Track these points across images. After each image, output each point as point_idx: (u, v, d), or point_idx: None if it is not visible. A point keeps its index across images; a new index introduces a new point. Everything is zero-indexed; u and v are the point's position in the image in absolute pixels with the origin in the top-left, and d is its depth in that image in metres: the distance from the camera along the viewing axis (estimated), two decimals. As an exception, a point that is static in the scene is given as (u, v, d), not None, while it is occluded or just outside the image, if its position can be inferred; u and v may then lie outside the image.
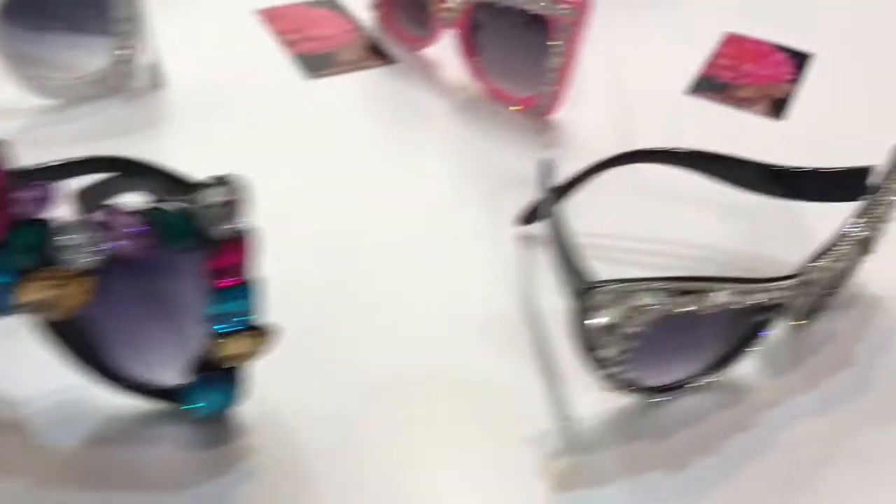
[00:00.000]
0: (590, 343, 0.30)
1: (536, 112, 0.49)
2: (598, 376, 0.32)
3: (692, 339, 0.34)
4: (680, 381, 0.34)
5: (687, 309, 0.30)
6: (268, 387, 0.32)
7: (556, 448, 0.33)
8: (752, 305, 0.32)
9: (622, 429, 0.34)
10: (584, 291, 0.29)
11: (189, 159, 0.44)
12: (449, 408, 0.34)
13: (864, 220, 0.34)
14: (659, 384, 0.34)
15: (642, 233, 0.42)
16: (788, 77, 0.55)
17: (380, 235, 0.41)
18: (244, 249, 0.28)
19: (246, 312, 0.29)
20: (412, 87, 0.52)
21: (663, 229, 0.42)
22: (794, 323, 0.36)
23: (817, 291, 0.36)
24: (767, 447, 0.33)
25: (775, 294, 0.32)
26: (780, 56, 0.57)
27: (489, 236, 0.41)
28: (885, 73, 0.55)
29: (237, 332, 0.29)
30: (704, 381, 0.35)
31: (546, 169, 0.39)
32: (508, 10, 0.47)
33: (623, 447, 0.33)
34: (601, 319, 0.30)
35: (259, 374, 0.31)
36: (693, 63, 0.55)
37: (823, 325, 0.38)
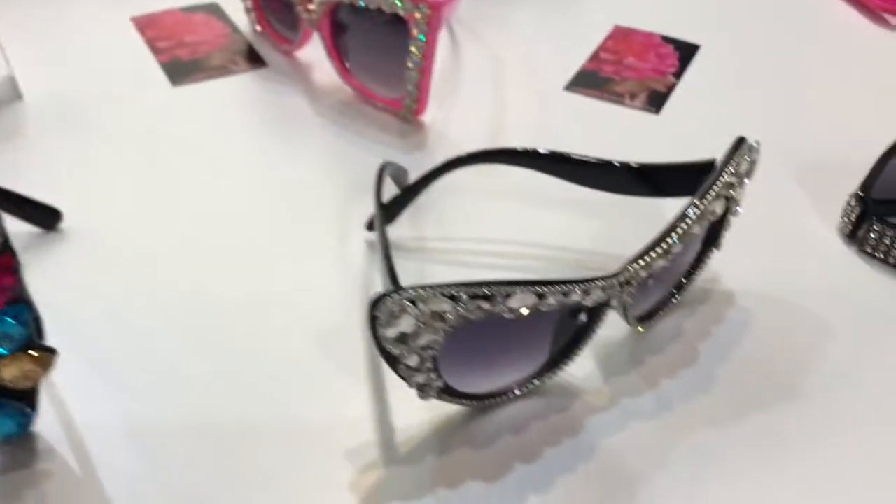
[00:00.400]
0: (386, 353, 0.29)
1: (404, 113, 0.48)
2: (411, 385, 0.31)
3: (514, 344, 0.33)
4: (505, 387, 0.33)
5: (486, 314, 0.29)
6: (71, 409, 0.31)
7: (373, 460, 0.32)
8: (571, 305, 0.31)
9: (444, 438, 0.33)
10: (376, 301, 0.28)
11: (41, 173, 0.44)
12: (269, 422, 0.33)
13: (693, 214, 0.33)
14: (483, 391, 0.33)
15: (492, 234, 0.41)
16: (672, 70, 0.54)
17: (228, 243, 0.40)
18: (12, 270, 0.27)
19: (20, 334, 0.28)
20: (283, 91, 0.51)
21: (515, 230, 0.41)
22: (637, 323, 0.35)
23: (649, 288, 0.35)
24: (590, 452, 0.32)
25: (595, 294, 0.32)
26: (667, 49, 0.56)
27: (339, 244, 0.40)
28: (769, 65, 0.54)
29: (12, 354, 0.28)
30: (532, 385, 0.34)
31: (382, 172, 0.38)
32: (367, 11, 0.46)
33: (443, 457, 0.32)
34: (392, 329, 0.29)
35: (62, 396, 0.30)
36: (579, 58, 0.54)
37: (670, 322, 0.37)
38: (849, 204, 0.41)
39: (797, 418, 0.34)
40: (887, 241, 0.40)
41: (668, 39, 0.57)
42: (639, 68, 0.54)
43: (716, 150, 0.36)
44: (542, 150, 0.39)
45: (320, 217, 0.42)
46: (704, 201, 0.34)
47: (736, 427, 0.33)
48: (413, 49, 0.45)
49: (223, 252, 0.40)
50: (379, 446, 0.32)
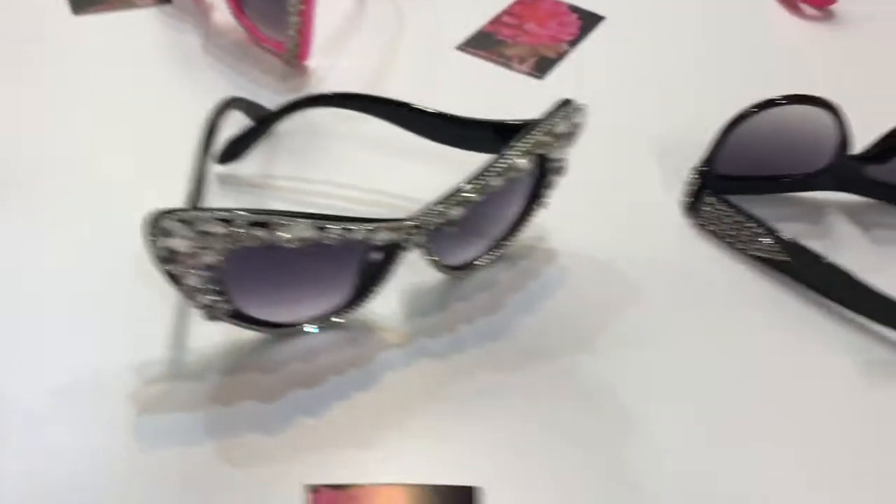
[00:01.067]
0: (164, 268, 0.31)
1: (288, 57, 0.49)
2: (196, 306, 0.32)
3: (313, 277, 0.34)
4: (302, 318, 0.35)
5: (263, 241, 0.31)
6: None
7: (158, 374, 0.33)
8: (361, 244, 0.33)
9: (234, 360, 0.34)
10: (155, 218, 0.30)
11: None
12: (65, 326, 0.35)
13: (492, 169, 0.35)
14: (278, 320, 0.35)
15: (341, 178, 0.43)
16: (569, 38, 0.55)
17: (95, 174, 0.42)
18: None
19: None
20: (181, 28, 0.52)
21: (364, 176, 0.43)
22: (449, 270, 0.36)
23: (462, 238, 0.36)
24: (371, 383, 0.34)
25: (382, 235, 0.33)
26: (572, 17, 0.57)
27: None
28: (670, 43, 0.55)
29: None
30: (330, 320, 0.35)
31: (223, 107, 0.39)
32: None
33: (227, 377, 0.34)
34: (164, 247, 0.30)
35: None
36: (482, 19, 0.55)
37: (487, 274, 0.39)
38: (690, 178, 0.42)
39: (582, 374, 0.35)
40: (718, 216, 0.41)
41: (574, 9, 0.57)
42: (536, 34, 0.55)
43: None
44: (380, 97, 0.41)
45: (182, 153, 0.43)
46: (505, 157, 0.35)
47: (520, 375, 0.35)
48: (292, -6, 0.46)
49: (94, 184, 0.41)
50: (168, 363, 0.34)
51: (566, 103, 0.37)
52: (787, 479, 0.32)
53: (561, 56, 0.53)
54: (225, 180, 0.42)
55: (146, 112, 0.46)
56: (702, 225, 0.42)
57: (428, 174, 0.41)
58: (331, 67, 0.50)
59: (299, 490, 0.31)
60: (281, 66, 0.50)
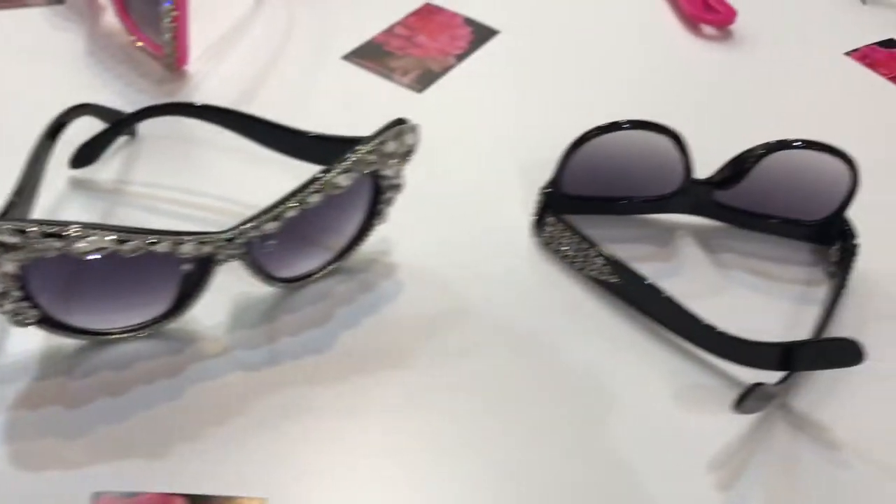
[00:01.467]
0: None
1: (166, 62, 0.50)
2: (1, 311, 0.33)
3: (128, 286, 0.35)
4: (118, 326, 0.36)
5: (61, 252, 0.31)
6: None
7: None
8: (167, 257, 0.33)
9: (46, 366, 0.35)
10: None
11: None
12: None
13: (313, 186, 0.35)
14: (92, 327, 0.35)
15: (195, 186, 0.43)
16: (458, 51, 0.55)
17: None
18: None
19: None
20: (68, 29, 0.53)
21: (217, 184, 0.43)
22: (277, 282, 0.37)
23: (289, 249, 0.37)
24: (177, 394, 0.34)
25: (190, 247, 0.33)
26: (465, 31, 0.57)
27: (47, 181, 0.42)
28: (562, 59, 0.55)
29: None
30: (145, 330, 0.36)
31: (69, 112, 0.40)
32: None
33: (36, 382, 0.34)
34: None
35: None
36: (374, 30, 0.56)
37: (323, 285, 0.39)
38: (537, 197, 0.43)
39: (392, 389, 0.36)
40: (559, 236, 0.42)
41: (469, 21, 0.58)
42: (425, 46, 0.55)
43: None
44: (221, 107, 0.41)
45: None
46: (325, 174, 0.35)
47: (329, 389, 0.35)
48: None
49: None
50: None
51: (398, 123, 0.37)
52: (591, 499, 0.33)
53: (446, 70, 0.54)
54: (79, 185, 0.43)
55: (18, 116, 0.46)
56: (547, 244, 0.42)
57: (285, 183, 0.41)
58: (210, 73, 0.51)
59: (86, 497, 0.31)
60: (161, 70, 0.50)
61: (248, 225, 0.34)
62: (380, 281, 0.40)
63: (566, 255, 0.41)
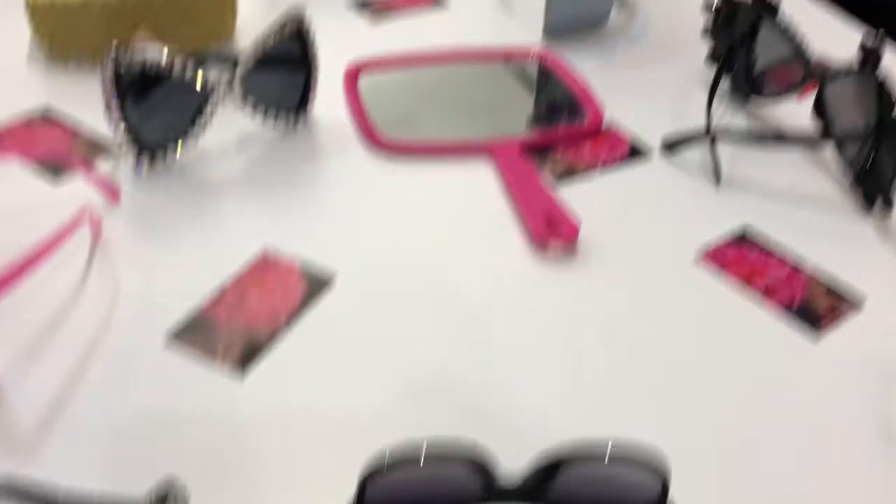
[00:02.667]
0: None
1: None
2: None
3: None
4: None
5: None
6: None
7: None
8: None
9: None
10: None
11: None
12: None
13: None
14: None
15: None
16: (288, 309, 0.53)
17: None
18: None
19: None
20: None
21: None
22: None
23: None
24: None
25: None
26: (300, 285, 0.55)
27: None
28: (396, 312, 0.54)
29: None
30: None
31: None
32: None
33: None
34: None
35: None
36: (198, 297, 0.53)
37: None
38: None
39: None
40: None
41: (305, 271, 0.56)
42: (253, 310, 0.53)
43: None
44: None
45: None
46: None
47: None
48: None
49: None
50: None
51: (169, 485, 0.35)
52: None
53: (271, 337, 0.51)
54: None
55: None
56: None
57: None
58: None
59: None
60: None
61: None
62: None
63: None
